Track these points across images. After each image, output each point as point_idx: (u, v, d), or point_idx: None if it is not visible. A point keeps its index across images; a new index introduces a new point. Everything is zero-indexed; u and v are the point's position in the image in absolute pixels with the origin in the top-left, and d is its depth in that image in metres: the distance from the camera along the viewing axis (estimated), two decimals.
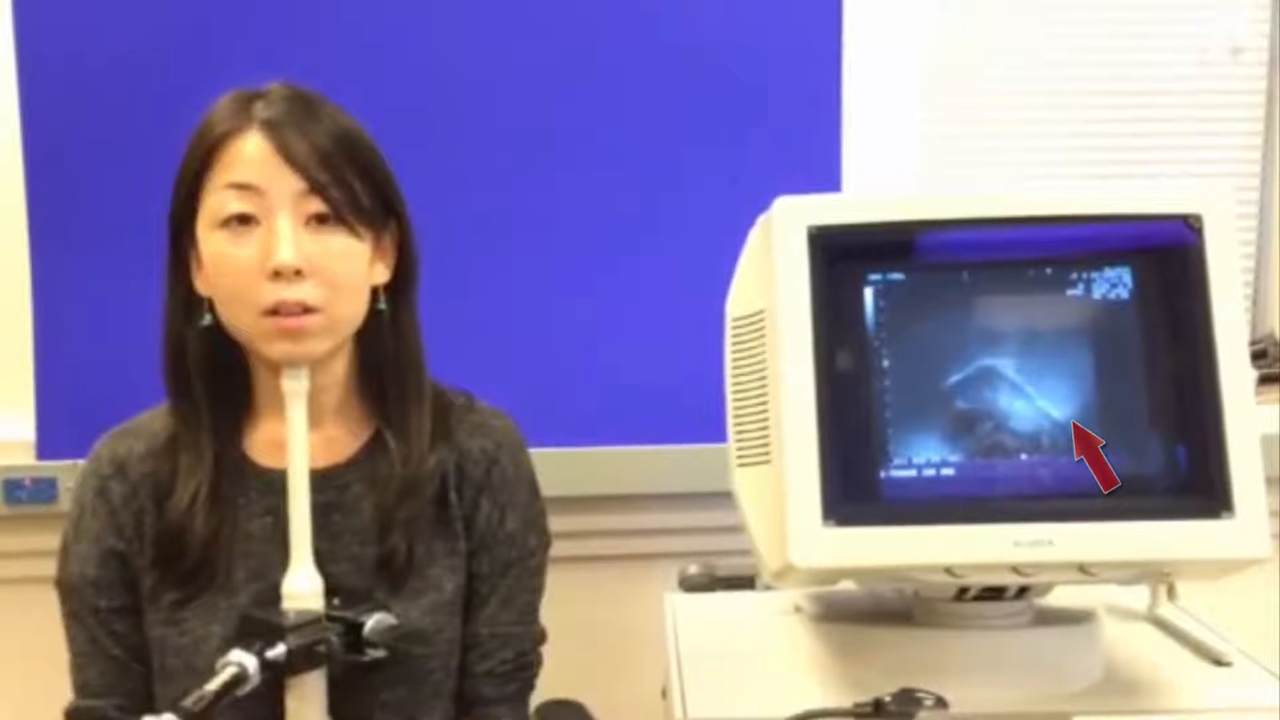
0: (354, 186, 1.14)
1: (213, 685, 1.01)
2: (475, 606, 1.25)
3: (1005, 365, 1.05)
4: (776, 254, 1.05)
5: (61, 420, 1.78)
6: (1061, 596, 1.18)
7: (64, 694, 1.24)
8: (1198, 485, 1.01)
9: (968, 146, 2.04)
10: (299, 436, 1.12)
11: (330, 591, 1.13)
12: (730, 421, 1.10)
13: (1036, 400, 1.04)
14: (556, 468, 1.45)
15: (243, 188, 1.11)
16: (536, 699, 1.35)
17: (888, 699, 1.02)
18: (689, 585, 1.61)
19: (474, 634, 1.25)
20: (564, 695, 1.52)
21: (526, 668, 1.28)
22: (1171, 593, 1.30)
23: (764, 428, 1.05)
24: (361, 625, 1.12)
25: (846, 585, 1.16)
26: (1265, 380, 1.88)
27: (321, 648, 1.09)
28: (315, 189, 1.12)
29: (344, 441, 1.24)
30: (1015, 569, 1.02)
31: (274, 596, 1.13)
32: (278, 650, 1.06)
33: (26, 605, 1.49)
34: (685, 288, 1.76)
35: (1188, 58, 2.03)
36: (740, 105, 1.83)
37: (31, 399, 1.79)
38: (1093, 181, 2.00)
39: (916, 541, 1.01)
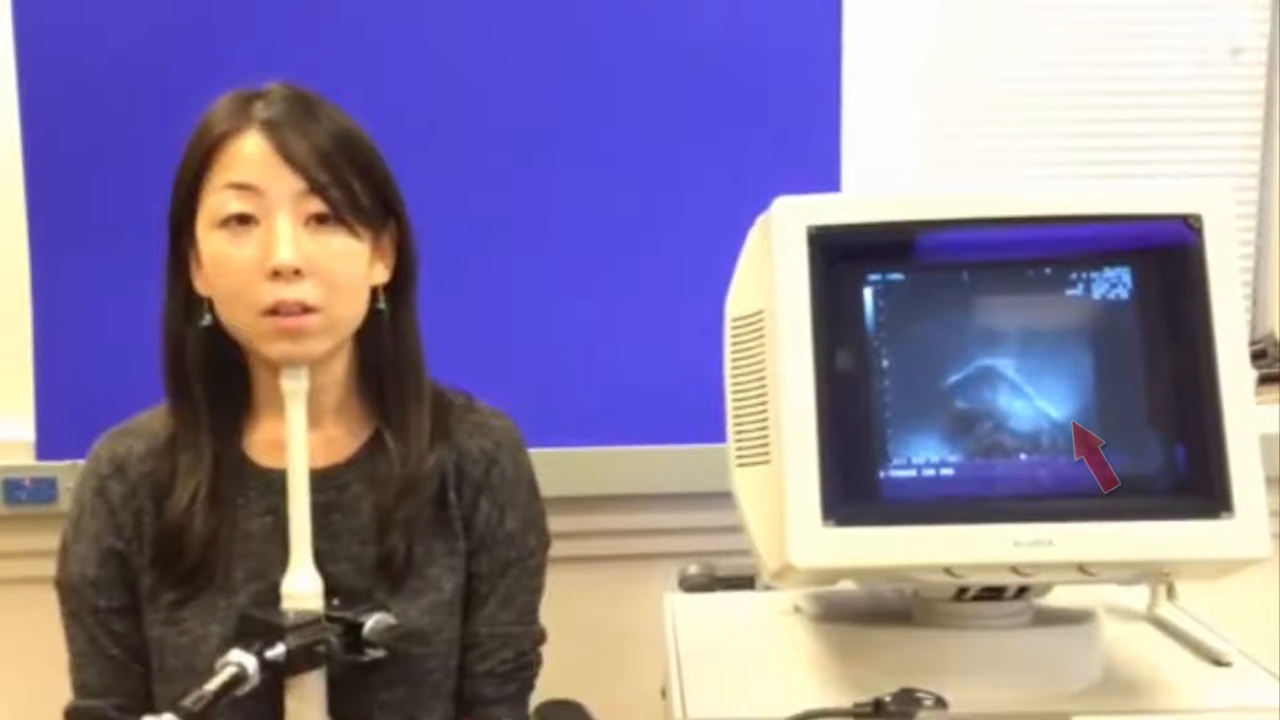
0: (353, 186, 1.14)
1: (212, 685, 1.01)
2: (475, 606, 1.25)
3: (1005, 365, 1.05)
4: (776, 254, 1.05)
5: (61, 420, 1.78)
6: (1061, 596, 1.18)
7: (64, 694, 1.24)
8: (1197, 485, 1.01)
9: (968, 146, 2.04)
10: (298, 436, 1.12)
11: (330, 591, 1.13)
12: (730, 421, 1.10)
13: (1036, 400, 1.04)
14: (556, 468, 1.45)
15: (242, 188, 1.11)
16: (536, 699, 1.35)
17: (887, 699, 1.02)
18: (689, 585, 1.61)
19: (473, 634, 1.25)
20: (564, 695, 1.52)
21: (526, 668, 1.28)
22: (1171, 593, 1.30)
23: (763, 428, 1.05)
24: (361, 625, 1.12)
25: (846, 585, 1.16)
26: (1265, 380, 1.88)
27: (321, 648, 1.09)
28: (315, 189, 1.12)
29: (343, 441, 1.24)
30: (1015, 569, 1.02)
31: (273, 596, 1.13)
32: (277, 650, 1.06)
33: (26, 605, 1.49)
34: (685, 288, 1.76)
35: (1187, 58, 2.03)
36: (740, 105, 1.83)
37: (31, 399, 1.79)
38: (1093, 181, 2.00)
39: (916, 541, 1.01)
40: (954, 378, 1.05)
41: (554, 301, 1.84)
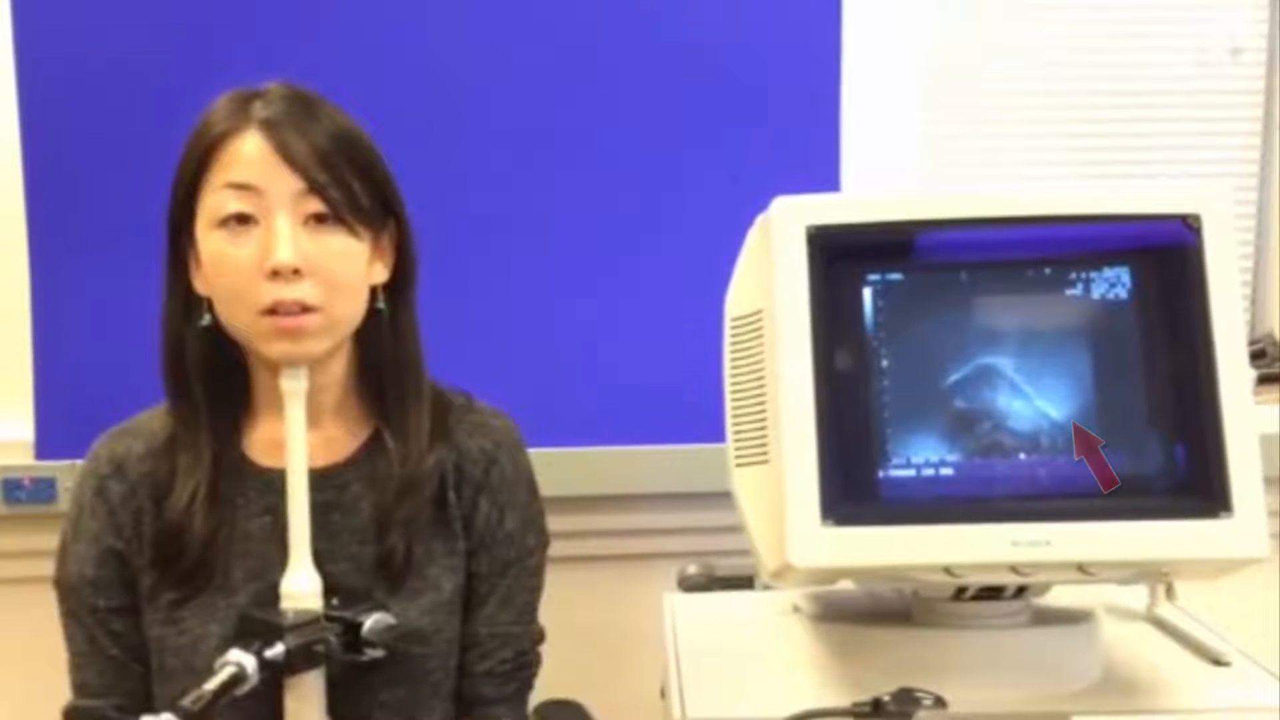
0: (353, 186, 1.14)
1: (211, 685, 1.01)
2: (474, 606, 1.25)
3: (1004, 365, 1.05)
4: (775, 254, 1.05)
5: (60, 420, 1.78)
6: (1060, 596, 1.18)
7: (63, 694, 1.24)
8: (1196, 485, 1.01)
9: (968, 146, 2.04)
10: (298, 436, 1.12)
11: (329, 591, 1.13)
12: (729, 421, 1.10)
13: (1035, 400, 1.04)
14: (556, 468, 1.45)
15: (241, 187, 1.11)
16: (535, 699, 1.35)
17: (886, 698, 1.02)
18: (688, 585, 1.61)
19: (473, 634, 1.25)
20: (563, 695, 1.52)
21: (525, 667, 1.28)
22: (1170, 592, 1.30)
23: (762, 428, 1.05)
24: (360, 625, 1.12)
25: (845, 585, 1.16)
26: (1264, 380, 1.88)
27: (320, 647, 1.09)
28: (314, 189, 1.12)
29: (343, 441, 1.24)
30: (1014, 569, 1.02)
31: (273, 596, 1.13)
32: (276, 650, 1.06)
33: (26, 605, 1.49)
34: (684, 288, 1.76)
35: (1187, 58, 2.03)
36: (740, 105, 1.83)
37: (30, 399, 1.79)
38: (1093, 181, 2.00)
39: (915, 541, 1.01)
40: (953, 377, 1.05)
41: (554, 301, 1.84)
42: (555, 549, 1.32)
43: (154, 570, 1.20)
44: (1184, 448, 1.03)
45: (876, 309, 1.06)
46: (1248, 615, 1.33)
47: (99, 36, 1.75)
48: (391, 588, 1.20)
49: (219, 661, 1.04)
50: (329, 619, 1.11)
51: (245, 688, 1.03)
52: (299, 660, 1.08)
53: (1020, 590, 1.12)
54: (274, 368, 1.14)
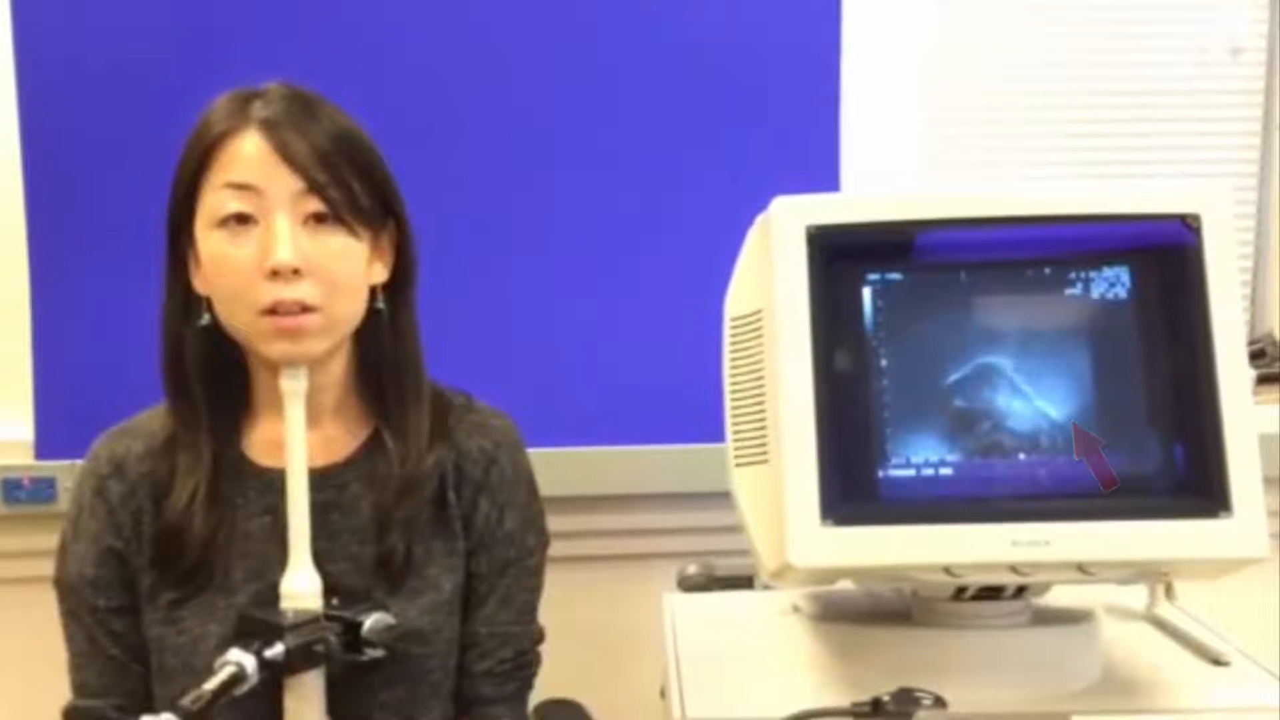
0: (352, 186, 1.14)
1: (211, 685, 1.01)
2: (474, 606, 1.25)
3: (1004, 365, 1.05)
4: (775, 253, 1.05)
5: (60, 420, 1.78)
6: (1060, 596, 1.18)
7: (63, 694, 1.24)
8: (1196, 485, 1.01)
9: (967, 146, 2.04)
10: (297, 436, 1.12)
11: (329, 591, 1.13)
12: (728, 421, 1.10)
13: (1035, 400, 1.04)
14: (556, 467, 1.45)
15: (241, 187, 1.12)
16: (535, 698, 1.35)
17: (886, 698, 1.02)
18: (687, 585, 1.61)
19: (472, 633, 1.25)
20: (562, 695, 1.52)
21: (525, 667, 1.28)
22: (1170, 592, 1.30)
23: (762, 427, 1.05)
24: (360, 625, 1.12)
25: (845, 585, 1.16)
26: (1263, 380, 1.88)
27: (320, 647, 1.09)
28: (313, 188, 1.12)
29: (342, 441, 1.24)
30: (1013, 568, 1.02)
31: (272, 596, 1.13)
32: (276, 650, 1.06)
33: (26, 605, 1.49)
34: (684, 288, 1.75)
35: (1187, 58, 2.03)
36: (740, 105, 1.83)
37: (30, 399, 1.79)
38: (1092, 181, 1.99)
39: (915, 541, 1.01)
40: (953, 377, 1.05)
41: (554, 301, 1.84)
42: (555, 549, 1.32)
43: (153, 570, 1.20)
44: (1183, 447, 1.03)
45: (876, 309, 1.06)
46: (1248, 615, 1.33)
47: (99, 36, 1.75)
48: (391, 588, 1.20)
49: (219, 661, 1.04)
50: (329, 619, 1.11)
51: (245, 687, 1.03)
52: (299, 660, 1.08)
53: (1020, 590, 1.12)
54: (274, 368, 1.14)
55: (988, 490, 1.03)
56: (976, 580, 1.08)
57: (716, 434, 1.12)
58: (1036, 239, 1.06)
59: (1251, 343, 2.00)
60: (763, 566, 1.07)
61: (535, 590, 1.30)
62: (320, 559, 1.14)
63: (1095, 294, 1.06)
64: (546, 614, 1.31)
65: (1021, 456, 1.04)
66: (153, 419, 1.24)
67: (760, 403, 1.06)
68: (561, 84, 1.81)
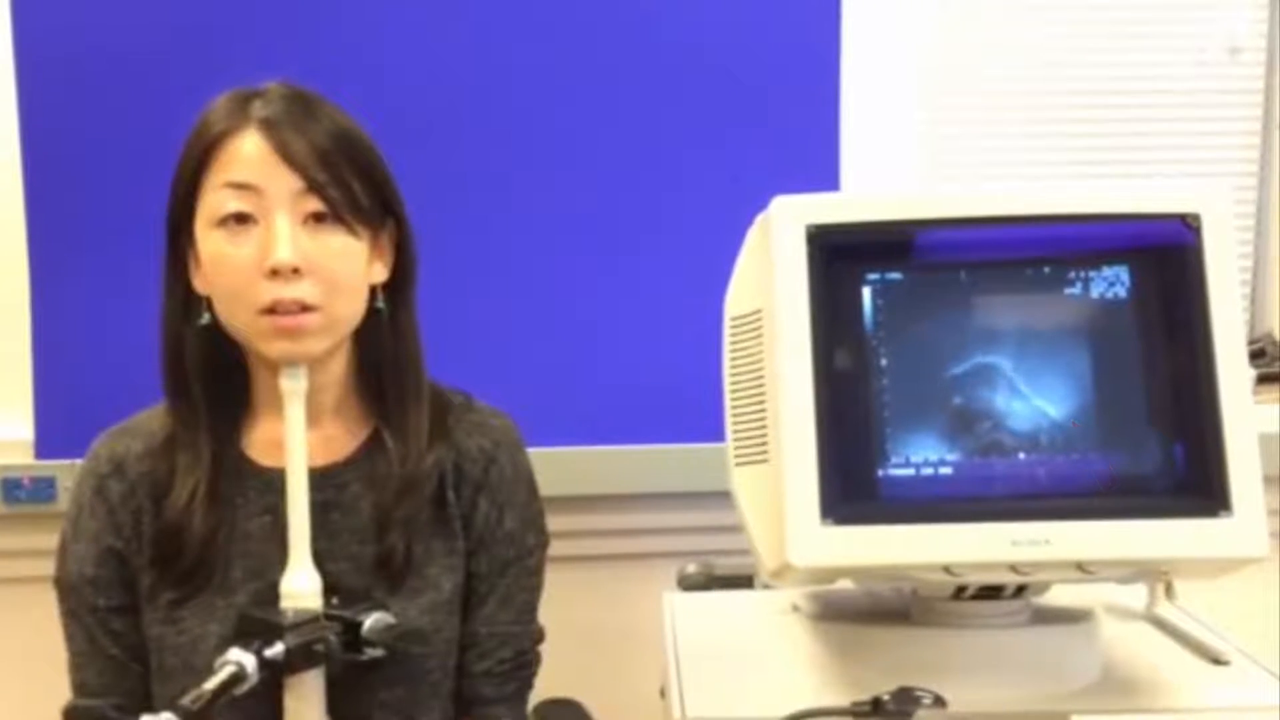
0: (352, 186, 1.14)
1: (211, 684, 1.01)
2: (474, 606, 1.25)
3: (1003, 364, 1.05)
4: (775, 253, 1.05)
5: (60, 420, 1.79)
6: (1059, 595, 1.18)
7: (63, 693, 1.24)
8: (1196, 484, 1.01)
9: (967, 146, 2.04)
10: (297, 435, 1.12)
11: (329, 590, 1.13)
12: (729, 421, 1.10)
13: (1034, 399, 1.04)
14: (556, 467, 1.45)
15: (240, 187, 1.12)
16: (535, 698, 1.35)
17: (886, 697, 1.02)
18: (687, 584, 1.61)
19: (472, 633, 1.25)
20: (562, 694, 1.52)
21: (525, 667, 1.28)
22: (1170, 592, 1.30)
23: (762, 427, 1.05)
24: (360, 624, 1.12)
25: (844, 584, 1.16)
26: (1263, 379, 1.88)
27: (320, 647, 1.09)
28: (313, 188, 1.12)
29: (342, 440, 1.24)
30: (1013, 568, 1.02)
31: (272, 595, 1.13)
32: (276, 649, 1.06)
33: (26, 605, 1.49)
34: (684, 288, 1.76)
35: (1186, 58, 2.03)
36: (740, 105, 1.83)
37: (30, 398, 1.79)
38: (1092, 181, 2.00)
39: (914, 540, 1.01)
40: (953, 376, 1.05)
41: (554, 301, 1.84)
42: (555, 549, 1.32)
43: (153, 569, 1.20)
44: (1183, 447, 1.02)
45: (876, 308, 1.06)
46: (1248, 615, 1.33)
47: (99, 36, 1.75)
48: (391, 587, 1.20)
49: (219, 661, 1.04)
50: (328, 618, 1.11)
51: (245, 687, 1.03)
52: (299, 660, 1.08)
53: (1020, 589, 1.12)
54: (273, 367, 1.14)
55: (987, 489, 1.03)
56: (976, 580, 1.08)
57: (716, 434, 1.12)
58: (1036, 238, 1.06)
59: (1251, 342, 2.00)
60: (763, 566, 1.07)
61: (535, 590, 1.30)
62: (320, 558, 1.14)
63: (1095, 293, 1.06)
64: (546, 614, 1.31)
65: (1021, 456, 1.04)
66: (152, 419, 1.24)
67: (760, 402, 1.06)
68: (561, 84, 1.82)
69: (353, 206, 1.14)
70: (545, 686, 1.36)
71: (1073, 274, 1.06)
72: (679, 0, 1.81)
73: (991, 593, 1.11)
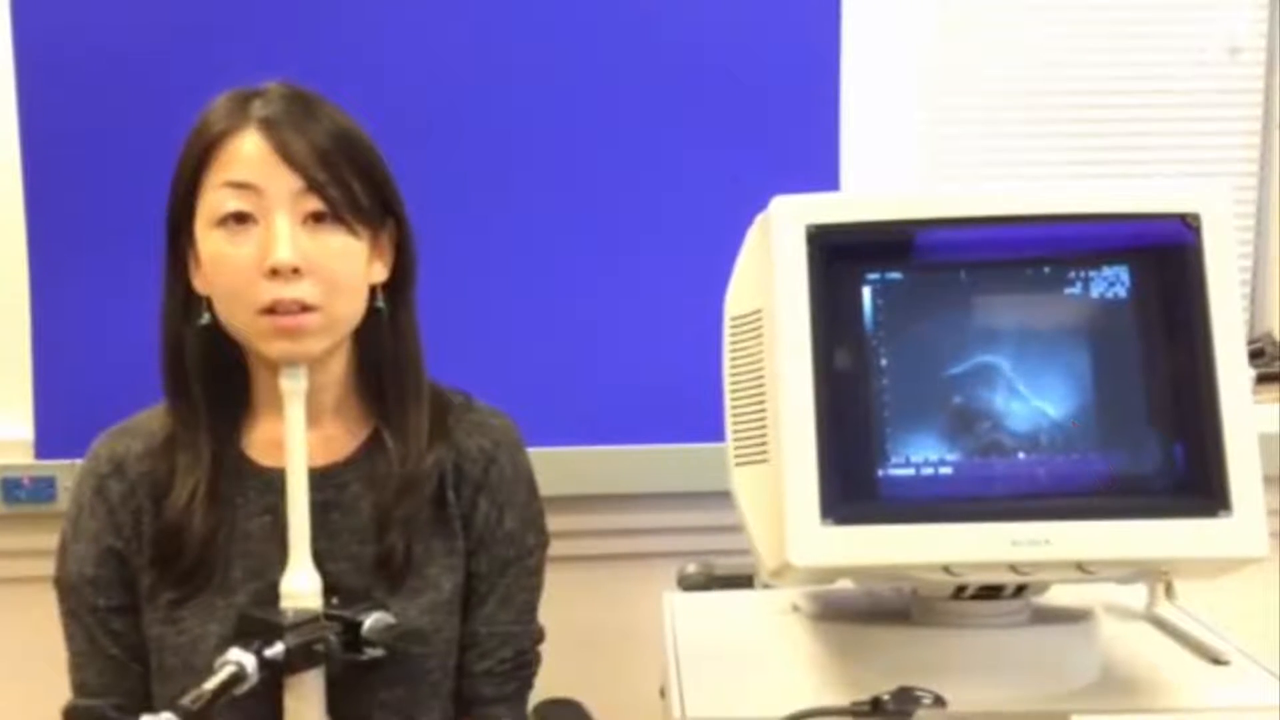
0: (352, 186, 1.14)
1: (211, 684, 1.01)
2: (474, 605, 1.25)
3: (1003, 364, 1.05)
4: (775, 253, 1.05)
5: (60, 419, 1.79)
6: (1059, 595, 1.18)
7: (63, 693, 1.24)
8: (1196, 484, 1.01)
9: (967, 146, 2.05)
10: (297, 435, 1.12)
11: (329, 590, 1.13)
12: (728, 421, 1.10)
13: (1034, 399, 1.04)
14: (556, 467, 1.45)
15: (240, 186, 1.12)
16: (535, 698, 1.35)
17: (886, 697, 1.02)
18: (687, 584, 1.61)
19: (472, 633, 1.25)
20: (562, 694, 1.52)
21: (525, 667, 1.28)
22: (1170, 591, 1.30)
23: (762, 427, 1.05)
24: (360, 624, 1.12)
25: (844, 584, 1.16)
26: (1263, 379, 1.88)
27: (320, 647, 1.09)
28: (313, 187, 1.12)
29: (342, 440, 1.24)
30: (1013, 567, 1.02)
31: (272, 595, 1.13)
32: (276, 649, 1.06)
33: (25, 605, 1.49)
34: (684, 288, 1.76)
35: (1186, 58, 2.03)
36: (740, 105, 1.83)
37: (30, 398, 1.79)
38: (1092, 181, 2.00)
39: (914, 540, 1.01)
40: (952, 376, 1.05)
41: (554, 301, 1.84)
42: (555, 549, 1.32)
43: (153, 569, 1.20)
44: (1183, 447, 1.03)
45: (876, 308, 1.06)
46: (1248, 615, 1.33)
47: (99, 36, 1.75)
48: (391, 587, 1.20)
49: (219, 661, 1.04)
50: (329, 618, 1.11)
51: (245, 687, 1.03)
52: (299, 660, 1.08)
53: (1019, 589, 1.12)
54: (273, 367, 1.14)
55: (987, 489, 1.03)
56: (976, 579, 1.08)
57: (716, 434, 1.12)
58: (1036, 238, 1.06)
59: (1251, 342, 2.00)
60: (763, 566, 1.07)
61: (535, 590, 1.29)
62: (320, 558, 1.14)
63: (1095, 293, 1.06)
64: (546, 614, 1.31)
65: (1021, 456, 1.04)
66: (152, 419, 1.24)
67: (760, 402, 1.06)
68: (561, 84, 1.82)
69: (353, 206, 1.14)
70: (545, 686, 1.36)
71: (1073, 274, 1.06)
72: (679, 1, 1.81)
73: (991, 593, 1.11)
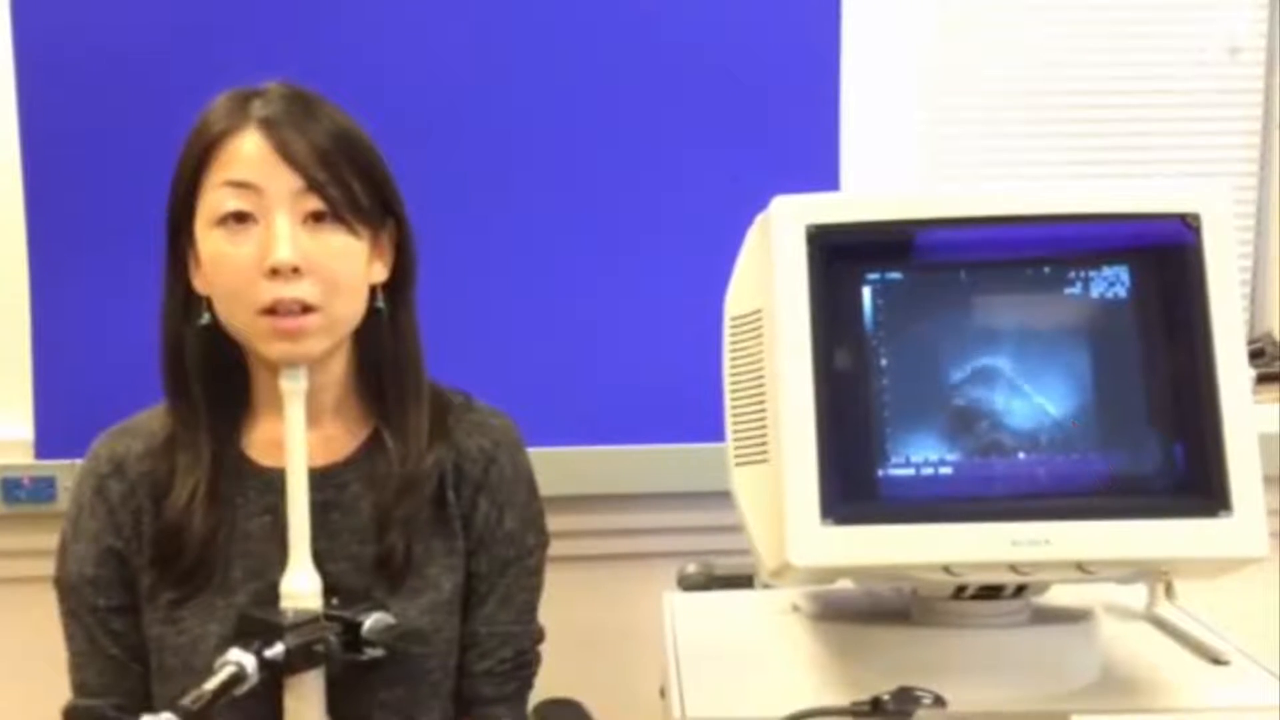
0: (352, 186, 1.14)
1: (211, 684, 1.01)
2: (474, 605, 1.25)
3: (1003, 364, 1.05)
4: (775, 253, 1.05)
5: (60, 419, 1.79)
6: (1059, 595, 1.18)
7: (63, 694, 1.24)
8: (1196, 484, 1.01)
9: (967, 146, 2.05)
10: (297, 435, 1.12)
11: (329, 591, 1.13)
12: (729, 421, 1.10)
13: (1034, 399, 1.04)
14: (556, 467, 1.45)
15: (240, 186, 1.11)
16: (535, 698, 1.35)
17: (886, 697, 1.02)
18: (687, 584, 1.61)
19: (472, 633, 1.25)
20: (562, 694, 1.52)
21: (525, 667, 1.28)
22: (1170, 591, 1.30)
23: (762, 427, 1.05)
24: (360, 624, 1.12)
25: (844, 584, 1.16)
26: (1263, 379, 1.88)
27: (320, 647, 1.09)
28: (313, 187, 1.12)
29: (342, 440, 1.24)
30: (1013, 567, 1.02)
31: (272, 596, 1.13)
32: (276, 649, 1.06)
33: (26, 605, 1.49)
34: (684, 288, 1.76)
35: (1186, 58, 2.03)
36: (740, 105, 1.83)
37: (30, 398, 1.79)
38: (1092, 181, 2.00)
39: (914, 540, 1.01)
40: (953, 376, 1.05)
41: (554, 301, 1.84)
42: (555, 549, 1.32)
43: (153, 569, 1.20)
44: (1183, 447, 1.03)
45: (876, 308, 1.06)
46: (1248, 615, 1.33)
47: (99, 36, 1.75)
48: (391, 587, 1.20)
49: (219, 661, 1.04)
50: (329, 618, 1.11)
51: (245, 687, 1.03)
52: (299, 660, 1.08)
53: (1019, 589, 1.12)
54: (273, 367, 1.14)
55: (987, 489, 1.03)
56: (976, 579, 1.08)
57: (716, 434, 1.12)
58: (1036, 238, 1.06)
59: (1251, 342, 2.00)
60: (763, 566, 1.07)
61: (535, 590, 1.29)
62: (320, 559, 1.14)
63: (1095, 293, 1.06)
64: (546, 614, 1.31)
65: (1021, 455, 1.04)
66: (152, 419, 1.24)
67: (760, 402, 1.06)
68: (561, 84, 1.82)
69: (353, 206, 1.14)
70: (545, 686, 1.36)
71: (1073, 274, 1.06)
72: (679, 1, 1.81)
73: (991, 593, 1.11)
